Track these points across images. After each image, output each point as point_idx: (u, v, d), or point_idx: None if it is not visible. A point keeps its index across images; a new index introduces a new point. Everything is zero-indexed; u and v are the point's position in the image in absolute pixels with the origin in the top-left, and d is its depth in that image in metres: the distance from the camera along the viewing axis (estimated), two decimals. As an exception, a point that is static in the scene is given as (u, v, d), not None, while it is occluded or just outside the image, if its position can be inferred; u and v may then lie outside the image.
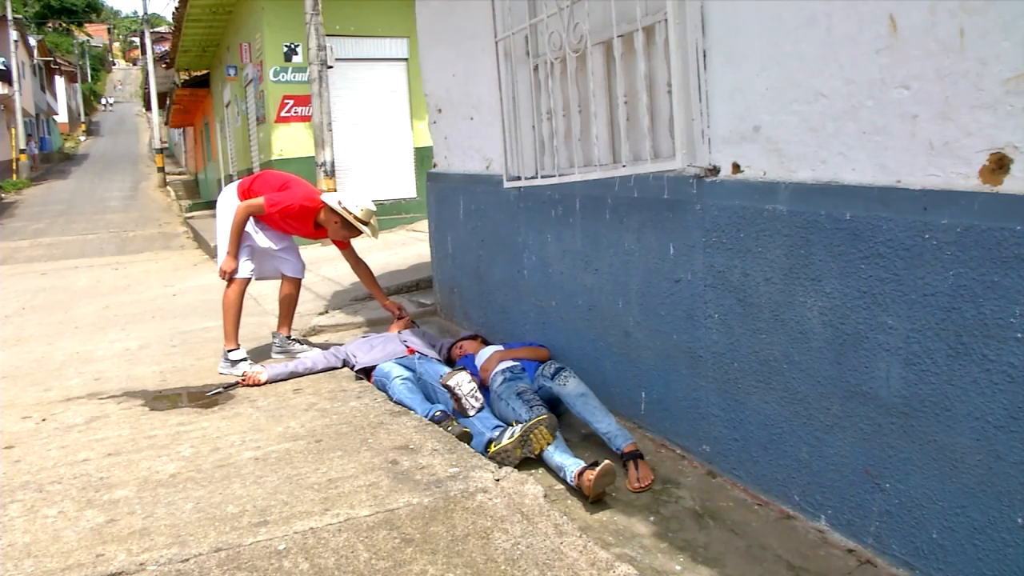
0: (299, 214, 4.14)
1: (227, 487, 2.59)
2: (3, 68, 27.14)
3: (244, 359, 4.15)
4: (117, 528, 2.33)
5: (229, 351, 4.16)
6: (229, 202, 4.21)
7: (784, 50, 2.27)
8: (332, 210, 4.15)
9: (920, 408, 1.95)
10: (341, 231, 4.22)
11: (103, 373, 4.39)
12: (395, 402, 3.41)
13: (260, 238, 4.24)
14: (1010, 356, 1.72)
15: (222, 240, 4.18)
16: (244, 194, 4.21)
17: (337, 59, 10.29)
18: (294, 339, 4.51)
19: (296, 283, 4.45)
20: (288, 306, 4.46)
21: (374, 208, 4.26)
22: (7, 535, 2.32)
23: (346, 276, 7.08)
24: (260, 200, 4.07)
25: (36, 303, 7.42)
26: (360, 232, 4.21)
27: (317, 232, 4.32)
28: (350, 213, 4.13)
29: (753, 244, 2.42)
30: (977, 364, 1.80)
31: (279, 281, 4.51)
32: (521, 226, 3.93)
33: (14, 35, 29.05)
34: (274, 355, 4.40)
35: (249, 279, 4.25)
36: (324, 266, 7.85)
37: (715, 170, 2.60)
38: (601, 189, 3.17)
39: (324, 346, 4.46)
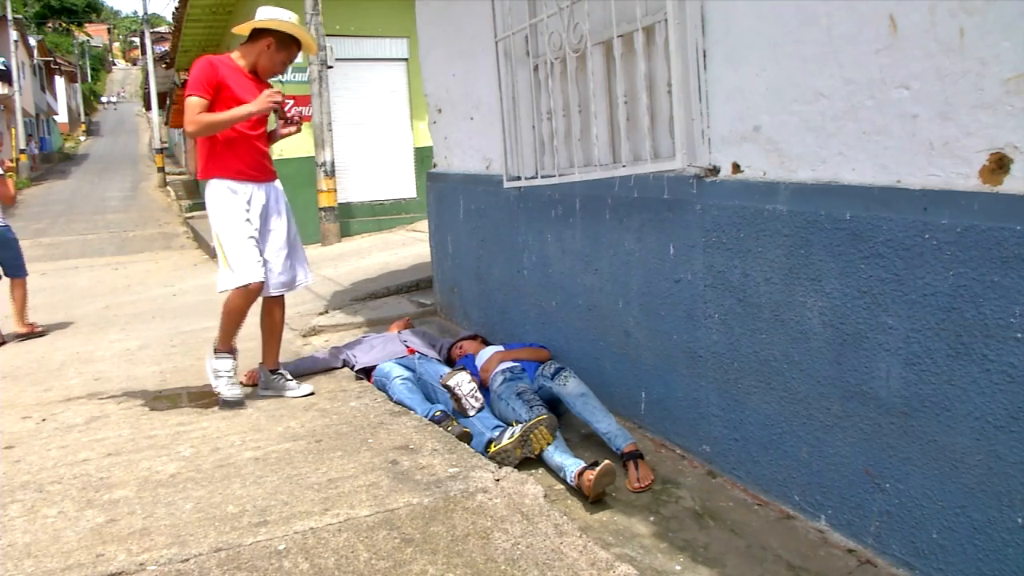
0: (231, 75, 3.37)
1: (227, 487, 2.59)
2: (3, 68, 27.16)
3: (228, 373, 3.46)
4: (117, 528, 2.33)
5: (218, 353, 3.47)
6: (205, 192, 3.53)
7: (784, 50, 2.27)
8: (258, 36, 3.43)
9: (920, 408, 1.95)
10: (277, 56, 3.47)
11: (103, 373, 4.38)
12: (395, 402, 3.41)
13: (263, 222, 3.50)
14: (1010, 356, 1.72)
15: (220, 231, 3.40)
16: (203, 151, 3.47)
17: (337, 59, 10.31)
18: (280, 372, 3.70)
19: (282, 302, 3.73)
20: (275, 333, 3.71)
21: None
22: (7, 535, 2.32)
23: (346, 276, 7.09)
24: (187, 101, 3.29)
25: (36, 303, 7.39)
26: (298, 44, 3.49)
27: (261, 86, 3.50)
28: (279, 22, 3.39)
29: (753, 244, 2.42)
30: (977, 364, 1.80)
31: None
32: (521, 226, 3.93)
33: (14, 35, 29.07)
34: (260, 392, 3.64)
35: (261, 285, 3.41)
36: (324, 266, 7.86)
37: (715, 170, 2.60)
38: (601, 189, 3.17)
39: (324, 346, 4.46)
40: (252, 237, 3.40)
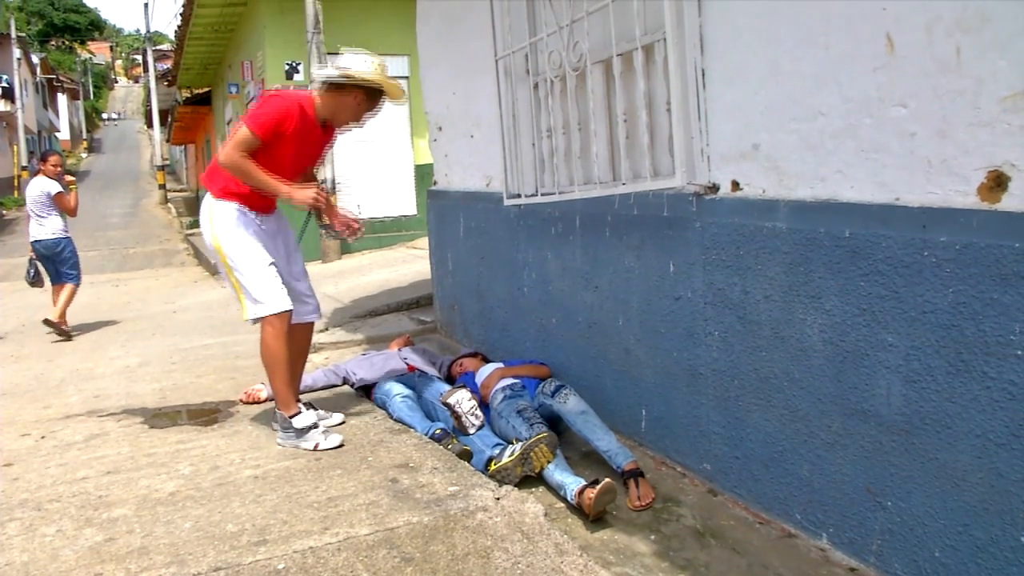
0: (298, 117, 3.05)
1: (226, 506, 2.58)
2: (6, 86, 27.29)
3: (314, 426, 3.09)
4: (116, 547, 2.32)
5: (291, 417, 3.09)
6: (205, 208, 3.19)
7: (782, 68, 2.28)
8: (346, 88, 3.08)
9: (921, 426, 1.94)
10: (364, 108, 3.16)
11: (103, 390, 4.38)
12: (395, 420, 3.40)
13: (276, 248, 3.22)
14: (1010, 373, 1.72)
15: (236, 258, 3.09)
16: (210, 174, 3.17)
17: (338, 77, 10.35)
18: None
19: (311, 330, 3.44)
20: (300, 362, 3.39)
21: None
22: (5, 554, 2.31)
23: (346, 293, 7.09)
24: (243, 131, 2.95)
25: (36, 319, 7.41)
26: (384, 94, 3.16)
27: (326, 136, 3.29)
28: (382, 79, 3.07)
29: (753, 262, 2.43)
30: (977, 381, 1.80)
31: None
32: (521, 243, 3.94)
33: (17, 53, 29.21)
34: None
35: (290, 313, 3.11)
36: (325, 283, 7.86)
37: (714, 188, 2.61)
38: (601, 207, 3.18)
39: (324, 364, 4.45)
40: (272, 263, 3.12)
